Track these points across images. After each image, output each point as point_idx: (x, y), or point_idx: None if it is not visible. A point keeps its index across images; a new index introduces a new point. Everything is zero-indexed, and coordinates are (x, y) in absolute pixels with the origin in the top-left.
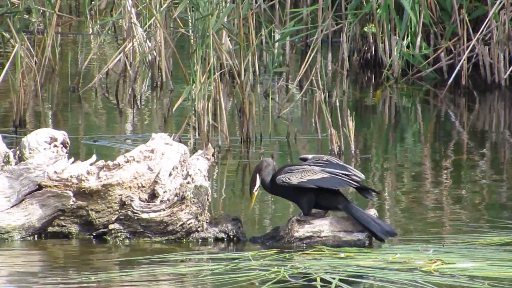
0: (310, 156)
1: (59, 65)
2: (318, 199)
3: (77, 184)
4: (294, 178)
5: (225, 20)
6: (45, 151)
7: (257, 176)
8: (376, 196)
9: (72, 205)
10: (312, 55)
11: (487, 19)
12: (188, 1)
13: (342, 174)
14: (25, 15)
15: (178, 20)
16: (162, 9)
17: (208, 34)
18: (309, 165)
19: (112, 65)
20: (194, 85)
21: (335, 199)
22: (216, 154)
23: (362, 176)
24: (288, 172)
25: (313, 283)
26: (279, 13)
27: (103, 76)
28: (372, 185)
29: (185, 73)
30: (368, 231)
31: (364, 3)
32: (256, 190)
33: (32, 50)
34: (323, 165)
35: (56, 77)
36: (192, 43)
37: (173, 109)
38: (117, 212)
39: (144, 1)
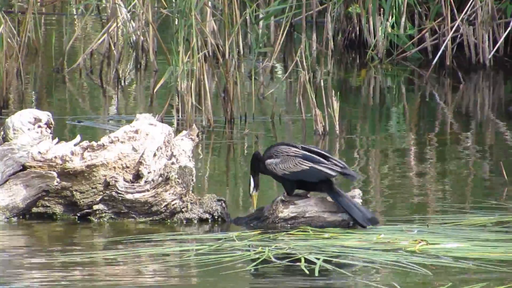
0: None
1: (43, 45)
2: (303, 182)
3: (61, 164)
4: (279, 169)
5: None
6: (29, 131)
7: (251, 178)
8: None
9: (56, 185)
10: (286, 30)
11: None
12: None
13: (322, 163)
14: None
15: (163, 0)
16: None
17: (190, 14)
18: (294, 146)
19: (96, 46)
20: (176, 65)
21: (319, 183)
22: (200, 135)
23: (343, 164)
24: (274, 156)
25: (297, 263)
26: None
27: (87, 57)
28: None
29: (166, 53)
30: (350, 217)
31: None
32: (253, 192)
33: (14, 30)
34: (305, 153)
35: (40, 57)
36: (175, 23)
37: (155, 90)
38: (101, 193)
39: None
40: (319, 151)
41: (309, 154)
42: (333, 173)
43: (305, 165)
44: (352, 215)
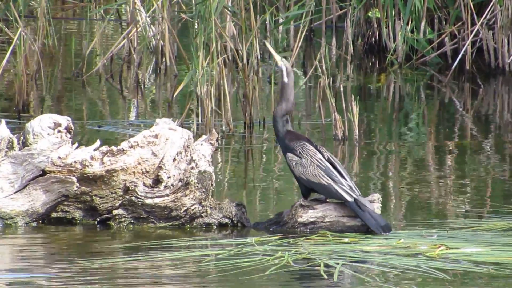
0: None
1: (63, 50)
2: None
3: (81, 169)
4: (298, 170)
5: (229, 3)
6: (49, 136)
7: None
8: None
9: (76, 190)
10: (303, 35)
11: (491, 4)
12: None
13: (342, 184)
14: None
15: (182, 4)
16: None
17: (210, 18)
18: (321, 153)
19: (116, 50)
20: (196, 70)
21: None
22: (219, 139)
23: (358, 191)
24: (299, 153)
25: (317, 268)
26: None
27: (107, 61)
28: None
29: (185, 58)
30: (364, 223)
31: None
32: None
33: (27, 35)
34: (329, 167)
35: (59, 62)
36: (195, 27)
37: (175, 95)
38: (121, 198)
39: None
40: (341, 170)
41: (332, 169)
42: (349, 199)
43: (324, 180)
44: (366, 222)
